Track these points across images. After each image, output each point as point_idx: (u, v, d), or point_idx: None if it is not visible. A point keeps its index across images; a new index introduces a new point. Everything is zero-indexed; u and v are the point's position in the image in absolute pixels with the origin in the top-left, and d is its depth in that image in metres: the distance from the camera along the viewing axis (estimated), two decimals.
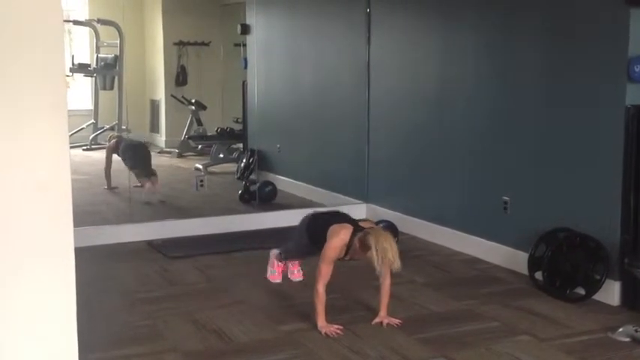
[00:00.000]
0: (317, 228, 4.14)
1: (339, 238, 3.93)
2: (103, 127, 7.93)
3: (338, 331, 3.89)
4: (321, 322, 3.91)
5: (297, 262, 4.77)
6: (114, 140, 7.26)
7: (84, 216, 5.88)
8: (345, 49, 6.91)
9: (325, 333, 3.85)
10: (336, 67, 7.06)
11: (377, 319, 4.04)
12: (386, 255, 3.75)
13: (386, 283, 4.03)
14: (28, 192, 2.31)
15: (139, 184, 7.04)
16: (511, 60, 5.05)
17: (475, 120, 5.39)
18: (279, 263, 4.73)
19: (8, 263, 2.31)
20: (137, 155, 7.20)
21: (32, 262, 2.34)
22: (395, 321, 4.02)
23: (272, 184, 7.22)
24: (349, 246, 3.93)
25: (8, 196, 2.28)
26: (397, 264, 3.82)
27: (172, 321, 4.07)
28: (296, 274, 4.77)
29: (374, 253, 3.75)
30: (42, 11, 2.27)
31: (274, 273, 4.74)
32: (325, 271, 3.91)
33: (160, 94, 8.25)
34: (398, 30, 6.23)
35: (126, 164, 7.03)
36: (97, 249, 5.50)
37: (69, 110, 2.39)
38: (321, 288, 3.90)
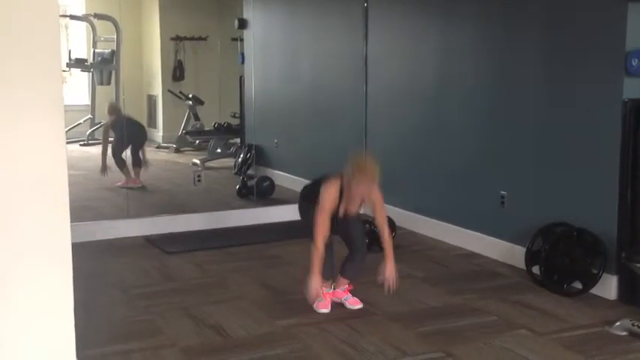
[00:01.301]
0: (312, 194, 4.12)
1: (330, 184, 4.03)
2: (100, 123, 7.92)
3: (325, 298, 4.01)
4: (316, 279, 3.93)
5: (346, 287, 4.27)
6: (111, 118, 7.21)
7: (81, 211, 5.89)
8: (343, 44, 6.90)
9: (312, 295, 3.95)
10: (333, 62, 7.05)
11: (382, 275, 4.06)
12: (365, 169, 3.92)
13: (385, 237, 4.10)
14: (25, 188, 2.31)
15: (121, 183, 7.07)
16: (509, 54, 5.04)
17: (473, 115, 5.39)
18: (327, 290, 4.20)
19: (5, 259, 2.30)
20: (124, 135, 7.11)
21: (29, 258, 2.34)
22: (393, 278, 4.05)
23: (269, 179, 7.23)
24: (342, 191, 4.00)
25: (4, 192, 2.28)
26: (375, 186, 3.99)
27: (170, 316, 4.06)
28: (351, 300, 4.26)
29: (354, 173, 3.90)
30: (38, 6, 2.27)
31: (321, 301, 4.17)
32: (321, 221, 3.95)
33: (157, 90, 8.23)
34: (396, 25, 6.23)
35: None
36: (94, 244, 5.49)
37: (66, 105, 2.39)
38: (319, 242, 3.93)
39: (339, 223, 4.12)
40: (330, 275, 4.23)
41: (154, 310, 4.16)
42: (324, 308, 4.15)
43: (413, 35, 6.03)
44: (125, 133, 7.06)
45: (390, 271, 4.06)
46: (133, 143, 7.21)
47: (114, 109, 7.25)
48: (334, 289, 4.28)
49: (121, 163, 7.16)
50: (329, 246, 4.16)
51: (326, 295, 4.18)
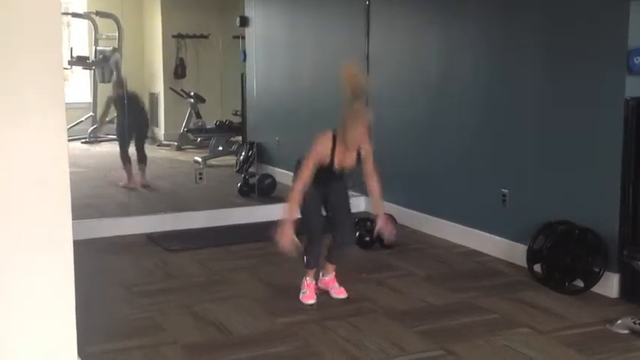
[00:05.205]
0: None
1: (322, 134, 4.11)
2: None
3: (310, 289, 4.03)
4: (287, 227, 3.89)
5: (333, 276, 4.30)
6: (117, 91, 7.12)
7: (83, 209, 5.89)
8: (344, 41, 6.89)
9: (282, 243, 3.88)
10: (335, 60, 7.02)
11: (378, 227, 4.12)
12: (358, 114, 4.07)
13: (372, 184, 4.10)
14: (27, 186, 2.31)
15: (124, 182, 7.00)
16: (511, 52, 5.04)
17: (474, 113, 5.38)
18: (310, 281, 4.23)
19: (6, 256, 2.31)
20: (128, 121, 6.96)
21: (31, 255, 2.35)
22: (388, 227, 4.11)
23: (271, 176, 7.22)
24: (335, 144, 4.04)
25: (7, 189, 2.28)
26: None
27: (172, 313, 4.07)
28: (337, 289, 4.30)
29: (348, 117, 4.03)
30: (40, 4, 2.27)
31: (305, 293, 4.21)
32: (306, 166, 4.00)
33: (159, 87, 8.24)
34: (397, 22, 6.22)
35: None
36: (96, 242, 5.49)
37: (67, 103, 2.39)
38: (298, 185, 3.96)
39: (332, 192, 4.16)
40: (314, 264, 4.21)
41: (156, 307, 4.17)
42: (309, 299, 4.16)
43: (414, 33, 6.02)
44: (129, 115, 6.87)
45: (382, 221, 4.10)
46: (136, 130, 7.12)
47: (119, 84, 7.11)
48: (322, 276, 4.31)
49: (125, 156, 7.05)
50: (318, 234, 4.14)
51: (310, 286, 4.20)
